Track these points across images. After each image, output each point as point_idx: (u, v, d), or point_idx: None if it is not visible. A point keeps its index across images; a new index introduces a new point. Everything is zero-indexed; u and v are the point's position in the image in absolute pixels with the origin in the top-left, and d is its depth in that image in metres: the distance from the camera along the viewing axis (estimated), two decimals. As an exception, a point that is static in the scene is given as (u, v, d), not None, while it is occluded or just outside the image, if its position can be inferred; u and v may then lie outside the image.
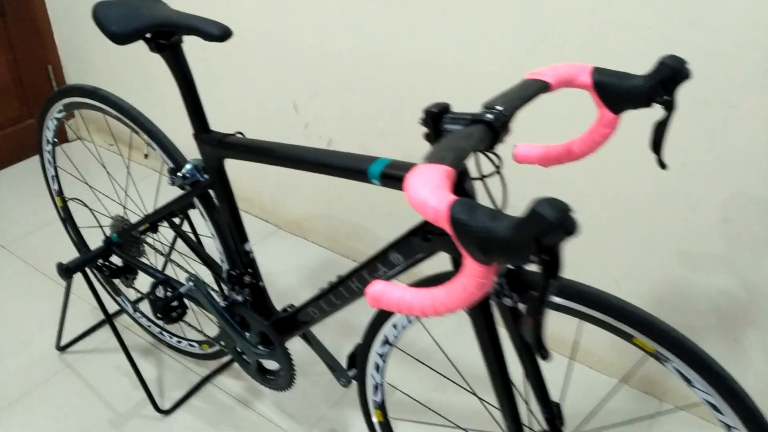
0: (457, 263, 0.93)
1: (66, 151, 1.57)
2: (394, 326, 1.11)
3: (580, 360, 1.71)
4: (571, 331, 1.65)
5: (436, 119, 0.85)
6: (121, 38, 1.08)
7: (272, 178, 2.18)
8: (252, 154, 1.12)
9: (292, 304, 1.41)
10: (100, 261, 1.52)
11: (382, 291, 0.75)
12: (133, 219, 1.59)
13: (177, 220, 1.42)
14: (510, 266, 0.92)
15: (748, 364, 1.45)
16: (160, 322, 1.40)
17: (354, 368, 1.35)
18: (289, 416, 1.61)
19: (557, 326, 1.55)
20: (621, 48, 1.31)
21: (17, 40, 2.50)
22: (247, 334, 1.36)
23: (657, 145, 0.95)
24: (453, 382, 1.40)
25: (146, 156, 1.39)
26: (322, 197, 2.09)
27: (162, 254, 1.56)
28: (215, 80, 2.12)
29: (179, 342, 1.71)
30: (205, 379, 1.69)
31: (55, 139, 1.56)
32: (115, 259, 1.57)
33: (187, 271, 1.49)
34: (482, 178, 0.90)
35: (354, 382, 1.31)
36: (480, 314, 0.97)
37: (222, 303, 1.35)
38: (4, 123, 2.53)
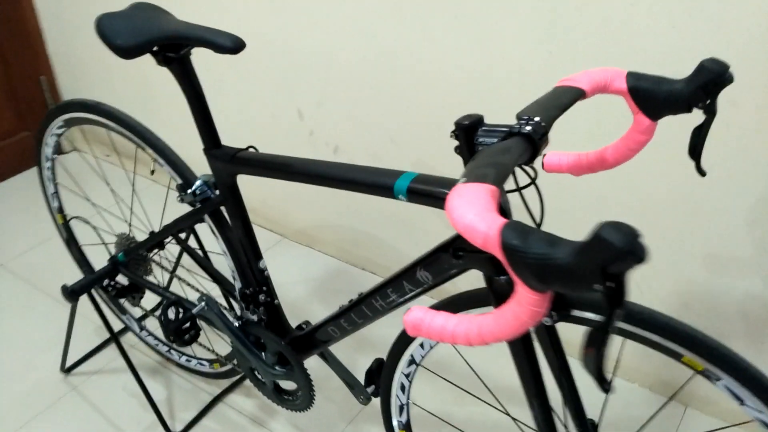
0: (492, 282, 0.89)
1: (62, 163, 1.51)
2: (422, 346, 1.06)
3: (621, 376, 1.66)
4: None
5: (469, 132, 0.80)
6: (127, 52, 1.03)
7: (277, 187, 2.13)
8: (267, 169, 1.07)
9: (308, 321, 1.37)
10: (106, 281, 1.47)
11: (421, 319, 0.71)
12: (138, 235, 1.54)
13: (182, 235, 1.37)
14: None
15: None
16: (170, 343, 1.34)
17: (373, 384, 1.31)
18: (305, 435, 1.56)
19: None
20: (643, 49, 1.27)
21: (8, 51, 2.44)
22: (262, 354, 1.31)
23: (696, 151, 0.91)
24: (482, 400, 1.35)
25: (153, 172, 1.34)
26: (329, 205, 2.05)
27: (170, 272, 1.51)
28: (216, 88, 2.07)
29: (188, 361, 1.66)
30: (217, 398, 1.64)
31: (55, 155, 1.51)
32: (119, 278, 1.53)
33: (197, 290, 1.44)
34: (519, 190, 0.85)
35: (373, 399, 1.27)
36: (519, 338, 0.92)
37: (235, 322, 1.30)
38: (-2, 136, 2.48)
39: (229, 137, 2.06)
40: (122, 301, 1.64)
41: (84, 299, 1.47)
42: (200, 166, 1.21)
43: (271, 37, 1.81)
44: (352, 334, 1.17)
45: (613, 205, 1.47)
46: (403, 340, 1.08)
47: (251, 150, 1.13)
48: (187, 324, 1.27)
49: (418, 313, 0.71)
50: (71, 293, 1.39)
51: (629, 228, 0.53)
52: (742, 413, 0.86)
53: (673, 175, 1.36)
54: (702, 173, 0.93)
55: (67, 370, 1.72)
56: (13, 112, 2.48)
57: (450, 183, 0.87)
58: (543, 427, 0.98)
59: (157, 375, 1.72)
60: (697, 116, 0.87)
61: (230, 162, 1.11)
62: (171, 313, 1.27)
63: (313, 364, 1.40)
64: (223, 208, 1.22)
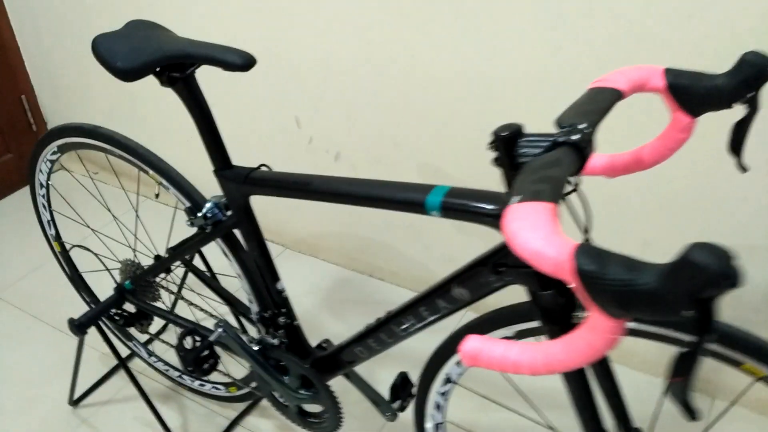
0: (537, 297, 0.84)
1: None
2: (458, 364, 1.02)
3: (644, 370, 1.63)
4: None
5: (509, 143, 0.76)
6: (129, 74, 0.97)
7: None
8: (285, 189, 1.02)
9: (328, 340, 1.32)
10: (113, 310, 1.41)
11: (479, 349, 0.66)
12: (141, 259, 1.48)
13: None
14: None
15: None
16: (189, 373, 1.28)
17: (398, 399, 1.26)
18: (329, 454, 1.51)
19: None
20: (657, 42, 1.23)
21: (-14, 72, 2.36)
22: (284, 377, 1.26)
23: (737, 146, 0.87)
24: (521, 414, 1.31)
25: (157, 195, 1.28)
26: (331, 212, 2.00)
27: (178, 296, 1.45)
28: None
29: (202, 385, 1.60)
30: (234, 422, 1.59)
31: (50, 182, 1.44)
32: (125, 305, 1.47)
33: (210, 314, 1.38)
34: (562, 198, 0.81)
35: (399, 415, 1.23)
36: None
37: (254, 346, 1.25)
38: (-22, 160, 2.39)
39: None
40: (129, 328, 1.58)
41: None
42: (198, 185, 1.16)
43: (264, 45, 1.75)
44: (380, 354, 1.13)
45: (631, 196, 1.43)
46: (439, 359, 1.03)
47: (264, 168, 1.08)
48: (206, 352, 1.21)
49: (475, 343, 0.67)
50: (79, 326, 1.33)
51: (722, 250, 0.49)
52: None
53: (687, 168, 1.33)
54: (744, 169, 0.89)
55: (74, 403, 1.65)
56: (-5, 134, 2.41)
57: (487, 196, 0.83)
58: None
59: (169, 401, 1.66)
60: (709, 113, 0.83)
61: (244, 183, 1.06)
62: (188, 342, 1.21)
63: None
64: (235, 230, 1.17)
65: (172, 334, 1.80)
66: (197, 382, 1.61)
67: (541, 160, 0.70)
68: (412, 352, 1.53)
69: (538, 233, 0.57)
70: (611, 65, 1.27)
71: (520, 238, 0.57)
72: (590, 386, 0.90)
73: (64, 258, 1.59)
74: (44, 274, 2.09)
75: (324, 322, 1.86)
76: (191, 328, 1.22)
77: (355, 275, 2.06)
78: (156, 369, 1.68)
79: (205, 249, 1.38)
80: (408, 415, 1.23)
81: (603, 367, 0.92)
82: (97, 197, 2.03)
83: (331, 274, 2.07)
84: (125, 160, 1.24)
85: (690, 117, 0.85)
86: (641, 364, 1.62)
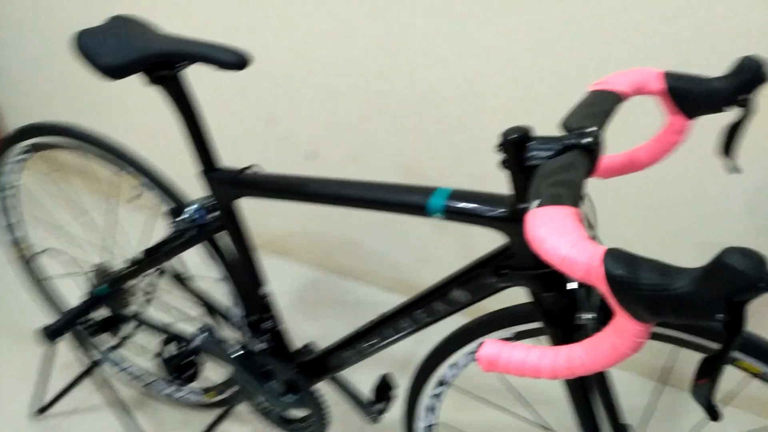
0: (540, 300, 0.84)
1: None
2: (455, 365, 1.01)
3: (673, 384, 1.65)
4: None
5: (518, 146, 0.75)
6: (115, 72, 0.94)
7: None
8: (277, 191, 1.00)
9: (311, 343, 1.30)
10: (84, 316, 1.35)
11: (498, 354, 0.66)
12: (102, 260, 1.43)
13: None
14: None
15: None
16: (172, 381, 1.24)
17: (382, 401, 1.26)
18: (309, 458, 1.49)
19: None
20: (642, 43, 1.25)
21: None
22: (269, 383, 1.23)
23: (730, 148, 0.89)
24: (517, 414, 1.31)
25: (138, 197, 1.24)
26: (304, 212, 1.97)
27: (165, 304, 1.40)
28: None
29: (176, 392, 1.56)
30: (211, 427, 1.55)
31: (18, 182, 1.38)
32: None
33: (193, 320, 1.35)
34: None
35: (383, 416, 1.23)
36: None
37: (238, 351, 1.22)
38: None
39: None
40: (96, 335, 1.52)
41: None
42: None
43: (238, 43, 1.71)
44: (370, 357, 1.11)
45: (607, 195, 1.46)
46: (433, 361, 1.03)
47: (254, 169, 1.05)
48: (189, 359, 1.18)
49: (493, 348, 0.66)
50: (52, 334, 1.27)
51: (756, 254, 0.50)
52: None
53: (670, 168, 1.35)
54: (736, 170, 0.91)
55: (40, 412, 1.58)
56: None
57: (492, 199, 0.83)
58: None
59: (141, 408, 1.60)
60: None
61: (233, 184, 1.03)
62: (170, 350, 1.17)
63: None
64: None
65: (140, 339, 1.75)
66: (171, 389, 1.57)
67: (555, 164, 0.70)
68: (390, 353, 1.52)
69: (567, 239, 0.56)
70: (596, 67, 1.29)
71: (547, 244, 0.57)
72: (589, 384, 0.91)
73: (27, 264, 1.52)
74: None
75: (298, 324, 1.83)
76: (173, 334, 1.18)
77: (328, 275, 2.04)
78: (126, 376, 1.63)
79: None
80: (389, 416, 1.22)
81: (601, 382, 0.93)
82: (47, 193, 1.95)
83: (304, 275, 2.04)
84: (105, 159, 1.19)
85: (686, 119, 0.87)
86: (629, 365, 1.64)
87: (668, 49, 1.22)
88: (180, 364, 1.16)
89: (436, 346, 1.02)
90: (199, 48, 0.91)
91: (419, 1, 1.41)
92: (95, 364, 1.37)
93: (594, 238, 0.71)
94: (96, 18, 1.06)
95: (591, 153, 0.71)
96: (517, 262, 0.84)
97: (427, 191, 0.86)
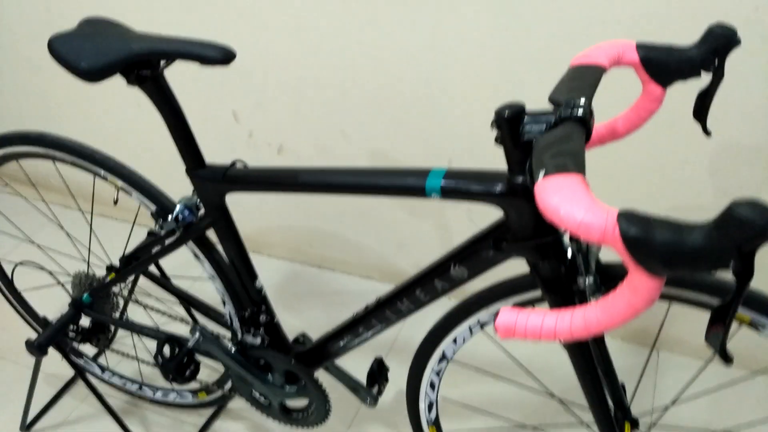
0: (538, 269, 0.88)
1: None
2: (454, 341, 1.04)
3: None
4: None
5: (512, 122, 0.78)
6: (94, 75, 0.92)
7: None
8: (267, 184, 1.00)
9: (304, 333, 1.31)
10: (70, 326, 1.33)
11: (514, 320, 0.69)
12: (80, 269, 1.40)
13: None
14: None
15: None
16: (170, 383, 1.23)
17: (376, 385, 1.28)
18: (307, 448, 1.51)
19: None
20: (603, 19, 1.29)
21: None
22: (268, 376, 1.24)
23: (702, 113, 0.94)
24: (518, 382, 1.35)
25: (116, 202, 1.22)
26: (274, 206, 1.96)
27: (152, 309, 1.39)
28: (133, 99, 1.92)
29: (165, 395, 1.55)
30: (203, 429, 1.55)
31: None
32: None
33: (183, 321, 1.34)
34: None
35: (379, 400, 1.25)
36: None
37: (234, 347, 1.22)
38: None
39: (156, 149, 1.92)
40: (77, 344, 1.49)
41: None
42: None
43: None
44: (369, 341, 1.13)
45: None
46: (435, 338, 1.05)
47: (239, 165, 1.05)
48: (185, 359, 1.17)
49: (509, 315, 0.69)
50: (39, 347, 1.24)
51: (763, 204, 0.54)
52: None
53: (635, 135, 1.41)
54: (707, 133, 0.96)
55: (27, 428, 1.55)
56: None
57: (486, 176, 0.85)
58: (599, 410, 1.00)
59: (129, 415, 1.58)
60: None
61: (221, 181, 1.03)
62: (166, 353, 1.17)
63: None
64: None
65: (120, 345, 1.72)
66: (160, 393, 1.56)
67: (551, 136, 0.73)
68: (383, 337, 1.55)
69: (580, 204, 0.59)
70: (570, 48, 1.33)
71: (562, 210, 0.60)
72: (594, 360, 0.95)
73: (2, 278, 1.48)
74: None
75: (281, 318, 1.83)
76: (168, 336, 1.17)
77: (304, 268, 2.04)
78: (111, 384, 1.60)
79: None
80: (383, 399, 1.24)
81: (599, 344, 0.97)
82: (33, 210, 1.90)
83: (279, 269, 2.04)
84: (79, 167, 1.17)
85: (661, 88, 0.91)
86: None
87: (637, 22, 1.27)
88: (179, 365, 1.15)
89: (437, 323, 1.04)
90: (180, 46, 0.91)
91: (382, -12, 1.42)
92: (81, 374, 1.35)
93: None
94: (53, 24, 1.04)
95: (585, 123, 0.74)
96: (514, 234, 0.86)
97: (423, 173, 0.88)
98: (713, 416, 1.48)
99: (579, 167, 0.64)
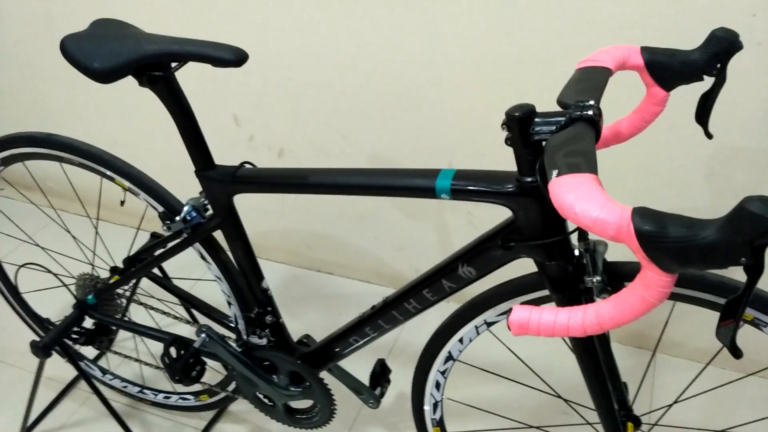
0: (546, 268, 0.89)
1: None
2: (461, 341, 1.05)
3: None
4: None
5: (523, 123, 0.80)
6: (107, 76, 0.93)
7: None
8: (278, 185, 1.01)
9: (308, 335, 1.32)
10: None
11: (528, 318, 0.70)
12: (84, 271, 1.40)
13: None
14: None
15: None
16: (177, 384, 1.23)
17: (379, 387, 1.29)
18: (308, 450, 1.51)
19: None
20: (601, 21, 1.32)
21: None
22: (273, 377, 1.24)
23: (703, 116, 0.96)
24: (521, 383, 1.35)
25: (123, 203, 1.23)
26: (274, 209, 1.97)
27: (157, 310, 1.39)
28: (134, 103, 1.92)
29: (167, 398, 1.55)
30: (206, 429, 1.55)
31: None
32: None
33: (188, 322, 1.34)
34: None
35: (382, 402, 1.26)
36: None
37: (240, 348, 1.22)
38: None
39: (156, 156, 1.93)
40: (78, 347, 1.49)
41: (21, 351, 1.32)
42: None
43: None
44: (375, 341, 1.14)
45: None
46: (441, 338, 1.06)
47: (248, 166, 1.06)
48: (191, 360, 1.18)
49: (522, 313, 0.71)
50: (44, 348, 1.24)
51: (773, 201, 0.55)
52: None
53: (632, 138, 1.43)
54: (709, 136, 0.98)
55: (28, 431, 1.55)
56: None
57: (496, 176, 0.87)
58: (604, 410, 1.01)
59: (130, 419, 1.58)
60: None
61: (231, 182, 1.04)
62: (172, 353, 1.17)
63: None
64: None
65: (120, 348, 1.72)
66: (161, 395, 1.56)
67: (563, 136, 0.74)
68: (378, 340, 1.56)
69: (595, 202, 0.61)
70: (563, 49, 1.35)
71: (577, 208, 0.61)
72: (600, 360, 0.96)
73: (3, 280, 1.48)
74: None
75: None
76: (174, 338, 1.18)
77: (303, 271, 2.05)
78: (111, 387, 1.60)
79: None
80: (385, 400, 1.24)
81: (603, 345, 0.99)
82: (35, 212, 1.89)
83: (278, 272, 2.05)
84: (86, 168, 1.18)
85: (664, 91, 0.93)
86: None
87: (638, 25, 1.29)
88: (185, 366, 1.16)
89: (443, 323, 1.06)
90: (194, 47, 0.92)
91: (386, -7, 1.44)
92: (85, 376, 1.35)
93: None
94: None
95: (595, 124, 0.76)
96: (523, 234, 0.88)
97: (432, 173, 0.90)
98: (712, 416, 1.50)
99: (591, 167, 0.66)
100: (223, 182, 1.05)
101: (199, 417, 1.58)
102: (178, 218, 1.11)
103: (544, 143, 0.80)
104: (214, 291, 1.25)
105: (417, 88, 1.54)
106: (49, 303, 1.60)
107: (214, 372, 1.51)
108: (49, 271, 1.44)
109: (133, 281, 1.37)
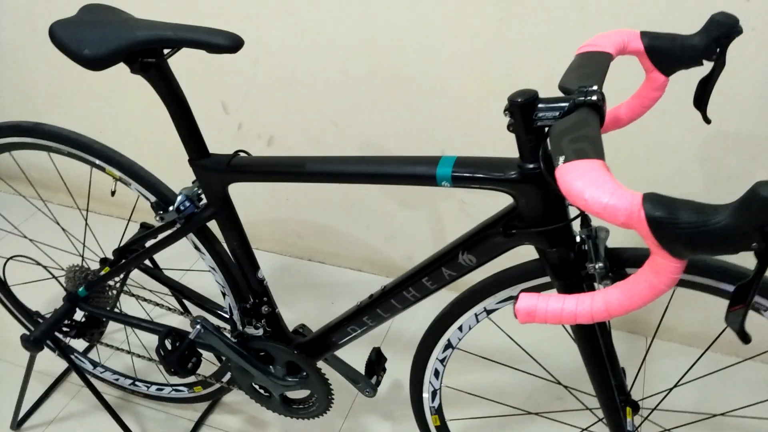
0: (547, 255, 0.89)
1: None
2: (460, 329, 1.05)
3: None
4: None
5: (526, 109, 0.79)
6: (98, 63, 0.90)
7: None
8: (274, 174, 0.99)
9: (304, 325, 1.31)
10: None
11: (534, 305, 0.70)
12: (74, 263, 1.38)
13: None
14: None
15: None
16: (172, 375, 1.22)
17: (374, 375, 1.28)
18: (304, 439, 1.51)
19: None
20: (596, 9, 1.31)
21: None
22: (269, 367, 1.23)
23: (702, 101, 0.96)
24: (521, 370, 1.35)
25: (113, 193, 1.20)
26: (264, 198, 1.95)
27: (150, 302, 1.37)
28: (121, 90, 1.89)
29: (160, 390, 1.53)
30: (199, 423, 1.54)
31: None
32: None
33: (182, 314, 1.32)
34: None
35: (378, 391, 1.25)
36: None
37: (236, 338, 1.21)
38: None
39: (144, 145, 1.90)
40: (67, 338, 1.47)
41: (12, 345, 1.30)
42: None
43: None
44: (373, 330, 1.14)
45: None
46: (441, 326, 1.06)
47: (242, 154, 1.04)
48: (186, 352, 1.16)
49: (529, 300, 0.70)
50: (35, 342, 1.22)
51: (786, 185, 0.55)
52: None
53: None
54: (707, 121, 0.98)
55: (17, 426, 1.52)
56: None
57: (497, 163, 0.86)
58: (605, 395, 1.01)
59: (123, 411, 1.57)
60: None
61: (226, 171, 1.02)
62: (167, 345, 1.15)
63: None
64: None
65: (110, 340, 1.70)
66: (154, 387, 1.54)
67: (568, 122, 0.73)
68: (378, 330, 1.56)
69: (605, 188, 0.60)
70: (557, 37, 1.34)
71: (587, 194, 0.60)
72: (601, 345, 0.96)
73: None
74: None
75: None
76: (169, 330, 1.16)
77: (293, 261, 2.03)
78: (103, 380, 1.58)
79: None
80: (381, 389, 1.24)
81: (602, 331, 0.99)
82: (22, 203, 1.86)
83: (269, 262, 2.03)
84: (75, 157, 1.15)
85: (664, 76, 0.92)
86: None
87: (631, 12, 1.29)
88: (181, 357, 1.14)
89: (443, 311, 1.05)
90: (189, 33, 0.89)
91: (377, -22, 1.42)
92: (77, 370, 1.33)
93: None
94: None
95: (599, 109, 0.75)
96: (525, 221, 0.87)
97: (433, 161, 0.88)
98: (706, 401, 1.51)
99: (599, 153, 0.65)
100: (218, 171, 1.03)
101: (193, 408, 1.57)
102: (171, 208, 1.09)
103: (546, 129, 0.80)
104: (204, 281, 1.24)
105: (410, 75, 1.53)
106: (35, 296, 1.58)
107: (207, 363, 1.49)
108: (39, 264, 1.41)
109: (126, 273, 1.35)
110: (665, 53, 0.90)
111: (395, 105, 1.59)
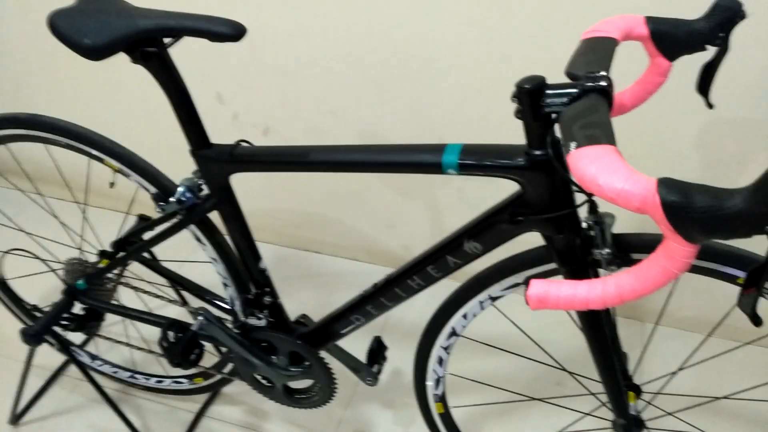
0: (554, 242, 0.89)
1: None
2: (464, 316, 1.05)
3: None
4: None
5: (533, 95, 0.78)
6: (98, 52, 0.89)
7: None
8: (277, 163, 0.99)
9: (305, 315, 1.31)
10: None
11: (546, 291, 0.70)
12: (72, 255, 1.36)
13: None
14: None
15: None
16: (176, 367, 1.21)
17: (376, 364, 1.28)
18: (305, 429, 1.51)
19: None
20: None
21: None
22: (272, 358, 1.23)
23: (705, 86, 0.96)
24: (526, 357, 1.35)
25: (112, 184, 1.19)
26: (261, 188, 1.94)
27: (150, 294, 1.36)
28: (114, 81, 1.87)
29: (160, 382, 1.53)
30: (200, 414, 1.53)
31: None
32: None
33: (184, 305, 1.32)
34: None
35: (379, 380, 1.25)
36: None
37: (238, 329, 1.21)
38: None
39: (140, 136, 1.88)
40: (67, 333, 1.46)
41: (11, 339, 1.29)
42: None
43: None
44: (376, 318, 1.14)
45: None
46: (445, 314, 1.06)
47: (244, 144, 1.04)
48: (189, 344, 1.16)
49: (541, 287, 0.70)
50: (35, 336, 1.21)
51: (800, 167, 0.55)
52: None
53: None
54: (710, 106, 0.98)
55: (15, 420, 1.51)
56: None
57: (504, 150, 0.85)
58: (609, 380, 1.02)
59: (122, 404, 1.55)
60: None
61: (228, 161, 1.01)
62: (170, 337, 1.15)
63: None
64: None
65: (106, 332, 1.69)
66: (153, 379, 1.53)
67: (577, 108, 0.73)
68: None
69: (619, 174, 0.60)
70: (558, 24, 1.34)
71: (601, 180, 0.60)
72: (606, 332, 0.97)
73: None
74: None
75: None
76: (171, 321, 1.16)
77: (291, 251, 2.03)
78: (102, 373, 1.57)
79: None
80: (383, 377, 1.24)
81: (607, 318, 0.99)
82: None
83: (266, 253, 1.98)
84: (73, 149, 1.14)
85: (668, 61, 0.92)
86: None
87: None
88: (185, 349, 1.14)
89: (447, 298, 1.05)
90: (191, 21, 0.89)
91: (375, -35, 1.41)
92: (77, 363, 1.32)
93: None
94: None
95: (607, 95, 0.75)
96: (531, 207, 0.87)
97: (438, 149, 0.88)
98: (706, 384, 1.52)
99: (610, 138, 0.65)
100: (221, 161, 1.02)
101: (193, 400, 1.57)
102: (172, 199, 1.08)
103: (554, 116, 0.80)
104: (202, 272, 1.23)
105: (408, 62, 1.52)
106: (32, 289, 1.56)
107: (207, 354, 1.49)
108: (37, 257, 1.39)
109: (126, 265, 1.34)
110: (670, 38, 0.90)
111: (393, 93, 1.58)
